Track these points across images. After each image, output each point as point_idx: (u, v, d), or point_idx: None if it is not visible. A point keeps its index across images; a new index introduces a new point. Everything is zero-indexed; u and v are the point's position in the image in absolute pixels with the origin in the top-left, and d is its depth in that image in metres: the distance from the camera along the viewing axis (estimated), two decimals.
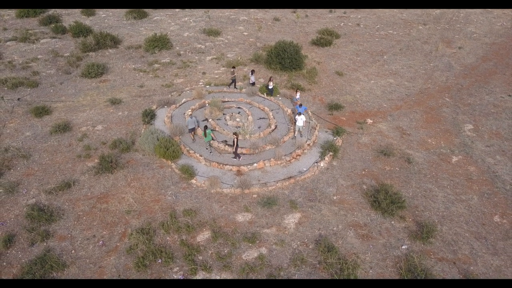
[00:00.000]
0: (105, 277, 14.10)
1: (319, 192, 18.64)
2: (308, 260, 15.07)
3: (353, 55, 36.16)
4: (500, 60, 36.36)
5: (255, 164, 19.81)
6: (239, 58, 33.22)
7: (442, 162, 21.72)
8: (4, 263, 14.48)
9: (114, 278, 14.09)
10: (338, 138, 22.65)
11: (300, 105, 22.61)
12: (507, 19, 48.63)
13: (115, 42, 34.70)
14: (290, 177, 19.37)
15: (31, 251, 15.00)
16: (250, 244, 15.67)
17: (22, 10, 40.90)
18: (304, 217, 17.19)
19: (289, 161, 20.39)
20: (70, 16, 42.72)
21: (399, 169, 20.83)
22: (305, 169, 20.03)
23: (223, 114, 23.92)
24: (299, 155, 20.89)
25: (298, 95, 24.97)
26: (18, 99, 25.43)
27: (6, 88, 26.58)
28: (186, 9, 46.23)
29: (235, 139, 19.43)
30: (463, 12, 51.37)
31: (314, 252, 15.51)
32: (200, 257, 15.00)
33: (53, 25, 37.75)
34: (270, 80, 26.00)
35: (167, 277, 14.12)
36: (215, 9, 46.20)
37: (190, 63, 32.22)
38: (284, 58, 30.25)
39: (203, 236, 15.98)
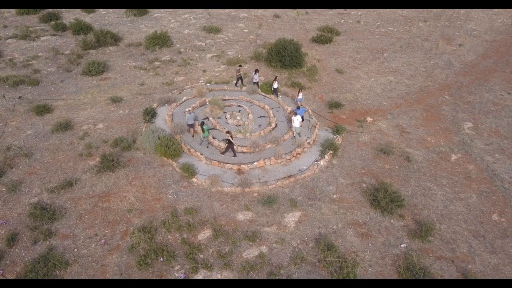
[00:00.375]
0: (107, 276, 14.29)
1: (319, 191, 18.78)
2: (308, 259, 15.25)
3: (353, 53, 36.19)
4: (500, 58, 36.37)
5: (255, 163, 19.95)
6: (239, 56, 33.27)
7: (441, 160, 21.85)
8: (8, 262, 14.65)
9: (116, 276, 14.26)
10: (338, 136, 22.76)
11: (298, 107, 22.32)
12: (508, 16, 48.54)
13: (115, 39, 34.73)
14: (290, 175, 19.51)
15: (34, 250, 15.18)
16: (251, 243, 15.83)
17: None
18: (304, 216, 17.35)
19: (289, 159, 20.52)
20: (70, 13, 42.68)
21: (399, 168, 20.97)
22: (305, 167, 20.17)
23: (224, 112, 24.02)
24: (299, 154, 21.02)
25: (300, 96, 24.62)
26: (19, 97, 25.53)
27: (7, 86, 26.67)
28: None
29: (229, 138, 19.65)
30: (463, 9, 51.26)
31: (314, 250, 15.68)
32: (201, 256, 15.18)
33: (53, 23, 37.72)
34: (275, 79, 25.92)
35: (168, 275, 14.30)
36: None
37: (190, 60, 32.27)
38: (285, 56, 30.29)
39: (204, 234, 16.14)
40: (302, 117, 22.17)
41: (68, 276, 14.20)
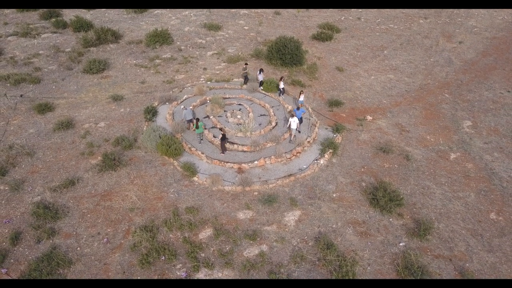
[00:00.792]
0: (110, 274, 14.50)
1: (318, 190, 18.97)
2: (307, 257, 15.46)
3: (354, 50, 36.24)
4: (500, 55, 36.42)
5: (255, 162, 20.12)
6: (240, 54, 33.34)
7: (440, 159, 22.02)
8: (12, 260, 14.88)
9: (119, 274, 14.48)
10: (338, 135, 22.91)
11: (298, 108, 22.19)
12: (509, 13, 48.45)
13: (116, 37, 34.78)
14: (290, 174, 19.69)
15: (37, 248, 15.39)
16: (251, 242, 16.04)
17: None
18: (304, 215, 17.55)
19: (289, 158, 20.69)
20: (71, 10, 42.63)
21: (398, 166, 21.14)
22: (305, 166, 20.34)
23: (224, 111, 24.15)
24: (299, 153, 21.18)
25: (302, 98, 24.16)
26: (21, 95, 25.66)
27: (8, 85, 26.79)
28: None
29: (222, 134, 19.98)
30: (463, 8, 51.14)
31: (314, 249, 15.89)
32: (203, 254, 15.39)
33: (53, 20, 37.77)
34: (281, 80, 25.83)
35: (170, 274, 14.52)
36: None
37: (191, 58, 32.35)
38: (285, 54, 30.36)
39: (205, 233, 16.35)
40: (301, 119, 22.10)
41: (72, 274, 14.42)
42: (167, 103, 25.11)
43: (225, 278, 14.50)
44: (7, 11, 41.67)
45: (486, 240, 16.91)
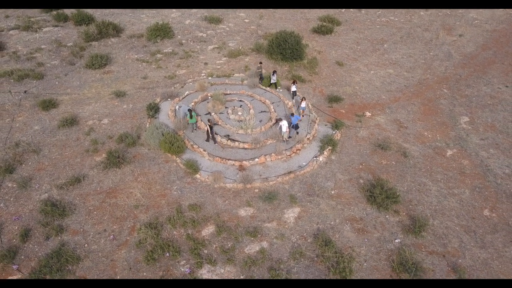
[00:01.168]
0: (117, 270, 15.14)
1: (317, 187, 19.51)
2: (306, 254, 16.08)
3: (354, 44, 36.41)
4: (499, 49, 36.58)
5: (256, 159, 20.61)
6: (240, 48, 33.55)
7: (437, 155, 22.50)
8: (23, 257, 15.50)
9: (126, 270, 15.11)
10: (337, 132, 23.35)
11: (292, 114, 22.01)
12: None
13: (117, 31, 34.94)
14: (290, 171, 20.20)
15: (46, 245, 16.01)
16: (252, 238, 16.65)
17: None
18: (303, 212, 18.13)
19: (289, 155, 21.18)
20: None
21: (395, 163, 21.65)
22: (304, 163, 20.84)
23: (225, 107, 24.55)
24: (299, 150, 21.66)
25: (303, 104, 23.53)
26: (25, 91, 26.03)
27: (12, 80, 27.14)
28: None
29: (209, 126, 21.01)
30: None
31: (312, 245, 16.50)
32: (205, 251, 16.01)
33: (54, 13, 37.84)
34: (293, 83, 25.61)
35: (175, 270, 15.16)
36: None
37: (192, 52, 32.58)
38: (285, 49, 30.60)
39: (207, 230, 16.95)
40: (296, 125, 21.77)
41: (80, 271, 15.06)
42: (169, 99, 25.50)
43: (227, 274, 15.14)
44: None
45: (479, 237, 17.51)
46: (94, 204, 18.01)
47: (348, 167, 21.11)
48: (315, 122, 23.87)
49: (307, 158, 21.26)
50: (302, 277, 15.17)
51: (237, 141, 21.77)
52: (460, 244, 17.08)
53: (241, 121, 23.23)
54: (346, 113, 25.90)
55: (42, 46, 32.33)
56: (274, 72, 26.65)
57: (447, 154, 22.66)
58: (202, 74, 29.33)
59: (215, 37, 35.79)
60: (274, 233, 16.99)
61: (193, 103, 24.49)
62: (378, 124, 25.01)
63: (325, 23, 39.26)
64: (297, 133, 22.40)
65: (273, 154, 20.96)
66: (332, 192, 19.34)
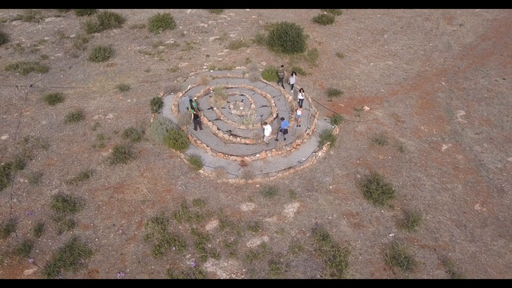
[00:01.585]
0: (126, 264, 16.11)
1: (316, 182, 20.34)
2: (305, 248, 17.03)
3: (354, 34, 36.64)
4: (499, 39, 36.82)
5: (257, 155, 21.37)
6: (241, 39, 33.84)
7: (432, 150, 23.24)
8: (37, 251, 16.46)
9: (135, 263, 16.08)
10: (336, 126, 24.01)
11: (282, 118, 22.24)
12: None
13: (119, 21, 35.16)
14: (290, 167, 20.99)
15: (59, 239, 16.95)
16: (254, 233, 17.57)
17: None
18: (302, 206, 19.01)
19: (289, 151, 21.92)
20: None
21: (392, 158, 22.40)
22: (304, 159, 21.61)
23: (227, 102, 25.14)
24: (299, 145, 22.39)
25: (299, 112, 23.15)
26: (31, 85, 26.59)
27: (18, 74, 27.65)
28: None
29: (194, 114, 22.22)
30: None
31: (311, 239, 17.44)
32: (210, 245, 16.96)
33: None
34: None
35: (181, 264, 16.13)
36: None
37: (193, 44, 32.91)
38: (286, 41, 30.91)
39: (211, 225, 17.86)
40: (285, 130, 21.79)
41: (92, 264, 16.03)
42: (172, 93, 26.07)
43: (230, 267, 16.11)
44: None
45: (469, 231, 18.43)
46: (102, 199, 18.87)
47: (346, 162, 21.89)
48: (314, 117, 24.51)
49: (306, 153, 22.01)
50: (301, 270, 16.15)
51: (239, 136, 22.46)
52: (450, 238, 18.01)
53: (242, 116, 23.86)
54: (345, 107, 26.51)
55: (45, 38, 32.65)
56: (294, 72, 26.34)
57: (442, 149, 23.40)
58: (204, 67, 29.78)
59: (216, 28, 36.01)
60: (275, 227, 17.91)
61: (195, 98, 25.07)
62: (376, 118, 25.65)
63: (325, 13, 39.34)
64: (284, 139, 22.31)
65: (273, 149, 21.69)
66: (330, 187, 20.17)
